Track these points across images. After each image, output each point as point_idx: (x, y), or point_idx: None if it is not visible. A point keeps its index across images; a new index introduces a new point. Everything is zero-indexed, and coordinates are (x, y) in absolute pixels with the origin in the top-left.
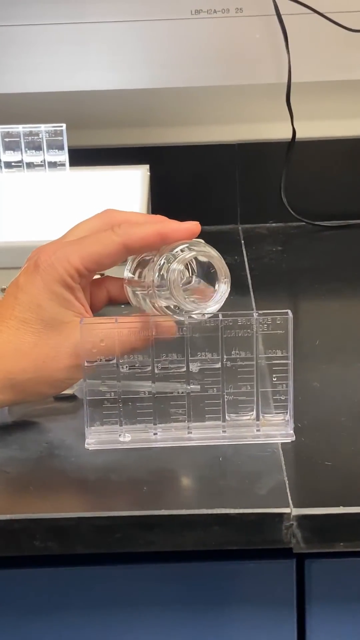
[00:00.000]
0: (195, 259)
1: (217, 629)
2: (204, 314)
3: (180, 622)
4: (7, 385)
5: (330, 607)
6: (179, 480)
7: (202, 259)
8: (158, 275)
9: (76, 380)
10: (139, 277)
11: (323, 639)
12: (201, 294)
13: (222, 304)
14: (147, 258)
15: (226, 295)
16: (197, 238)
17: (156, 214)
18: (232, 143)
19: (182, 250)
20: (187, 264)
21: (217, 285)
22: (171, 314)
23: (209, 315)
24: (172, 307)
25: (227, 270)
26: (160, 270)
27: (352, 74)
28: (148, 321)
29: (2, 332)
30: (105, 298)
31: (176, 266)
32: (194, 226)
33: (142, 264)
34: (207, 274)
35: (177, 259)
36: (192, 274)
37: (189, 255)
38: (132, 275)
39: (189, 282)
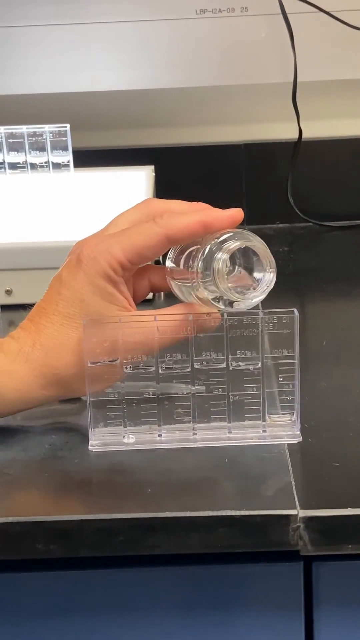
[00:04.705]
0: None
1: (222, 634)
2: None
3: (185, 626)
4: (52, 380)
5: (338, 611)
6: (184, 482)
7: (248, 247)
8: (202, 265)
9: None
10: (181, 265)
11: None
12: (242, 283)
13: (266, 294)
14: (190, 249)
15: (272, 284)
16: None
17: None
18: (238, 143)
19: (226, 240)
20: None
21: (262, 275)
22: (216, 306)
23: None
24: (216, 299)
25: (273, 259)
26: (204, 259)
27: (358, 72)
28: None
29: (47, 328)
30: (147, 287)
31: (221, 255)
32: (236, 213)
33: (183, 254)
34: (248, 262)
35: (222, 249)
36: (234, 264)
37: (234, 245)
38: (173, 265)
39: (231, 272)
